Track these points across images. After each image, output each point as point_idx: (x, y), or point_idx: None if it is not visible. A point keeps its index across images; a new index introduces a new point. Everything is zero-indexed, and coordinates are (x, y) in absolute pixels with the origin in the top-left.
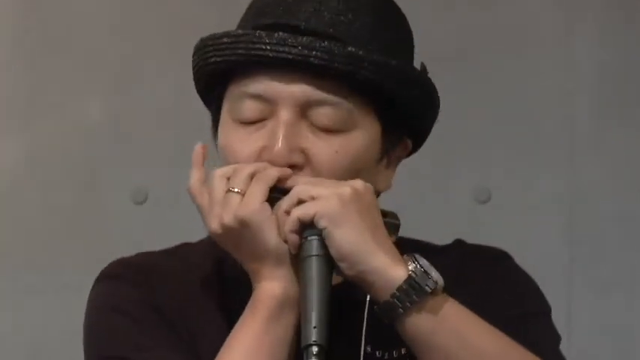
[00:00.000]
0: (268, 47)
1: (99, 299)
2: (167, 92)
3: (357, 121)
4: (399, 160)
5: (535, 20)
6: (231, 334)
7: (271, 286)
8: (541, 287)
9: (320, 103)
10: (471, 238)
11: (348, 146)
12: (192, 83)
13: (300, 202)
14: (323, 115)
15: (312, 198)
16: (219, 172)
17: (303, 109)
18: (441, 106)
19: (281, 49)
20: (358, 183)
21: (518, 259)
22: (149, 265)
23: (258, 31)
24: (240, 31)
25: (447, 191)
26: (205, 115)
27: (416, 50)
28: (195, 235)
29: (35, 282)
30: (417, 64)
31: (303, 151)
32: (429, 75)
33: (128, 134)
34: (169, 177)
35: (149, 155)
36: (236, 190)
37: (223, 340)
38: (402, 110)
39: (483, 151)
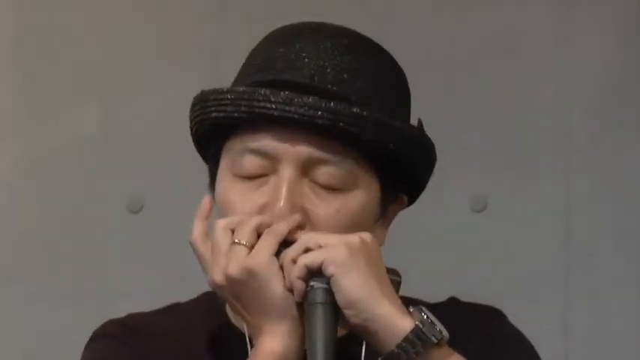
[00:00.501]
0: (273, 106)
1: (92, 357)
2: (162, 102)
3: (358, 179)
4: (394, 215)
5: (530, 29)
6: None
7: (272, 341)
8: (537, 296)
9: (323, 162)
10: (467, 247)
11: (349, 206)
12: (187, 93)
13: (307, 250)
14: (325, 173)
15: (320, 246)
16: (223, 223)
17: (306, 167)
18: (437, 114)
19: (287, 108)
20: (365, 234)
21: (514, 268)
22: (142, 325)
23: (262, 89)
24: (243, 88)
25: (442, 200)
26: None
27: (411, 59)
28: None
29: (31, 291)
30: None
31: (305, 210)
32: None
33: (124, 143)
34: (165, 186)
35: (145, 164)
36: (242, 242)
37: None
38: (402, 168)
39: (479, 160)
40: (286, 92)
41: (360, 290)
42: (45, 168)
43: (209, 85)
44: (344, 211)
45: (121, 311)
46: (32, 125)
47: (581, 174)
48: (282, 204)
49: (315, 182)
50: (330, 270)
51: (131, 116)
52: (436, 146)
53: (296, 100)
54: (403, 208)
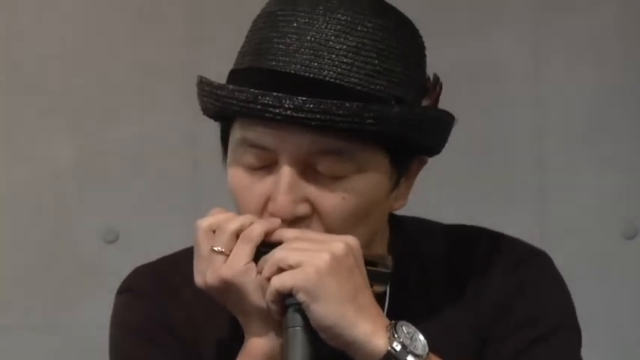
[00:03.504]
0: (261, 107)
1: (118, 316)
2: (137, 132)
3: (363, 162)
4: (416, 174)
5: (503, 58)
6: None
7: (259, 342)
8: None
9: (322, 153)
10: None
11: (355, 190)
12: (161, 124)
13: (281, 269)
14: (326, 163)
15: (291, 267)
16: (205, 225)
17: (305, 159)
18: None
19: (276, 110)
20: (339, 246)
21: None
22: (168, 279)
23: (251, 90)
24: (232, 87)
25: None
26: (173, 157)
27: None
28: None
29: (6, 322)
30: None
31: (309, 201)
32: None
33: (98, 174)
34: (140, 216)
35: (120, 195)
36: (220, 249)
37: None
38: (411, 143)
39: (453, 189)
40: (274, 94)
41: (331, 317)
42: (21, 199)
43: (182, 118)
44: (349, 197)
45: (96, 343)
46: (7, 157)
47: (555, 204)
48: (282, 201)
49: (317, 171)
50: (299, 297)
51: (106, 147)
52: None
53: (285, 102)
54: (426, 164)
